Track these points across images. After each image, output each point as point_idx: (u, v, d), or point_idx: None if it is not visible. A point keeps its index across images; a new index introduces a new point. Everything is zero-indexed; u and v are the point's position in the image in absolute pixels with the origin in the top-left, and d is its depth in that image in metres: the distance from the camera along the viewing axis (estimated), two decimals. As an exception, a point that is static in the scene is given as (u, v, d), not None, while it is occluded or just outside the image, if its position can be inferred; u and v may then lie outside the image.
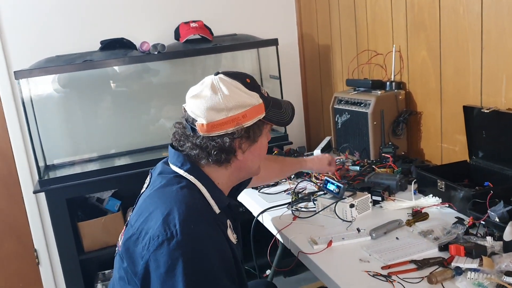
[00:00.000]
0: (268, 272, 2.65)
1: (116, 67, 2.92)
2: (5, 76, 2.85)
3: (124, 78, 3.03)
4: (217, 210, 1.28)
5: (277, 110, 1.38)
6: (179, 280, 1.11)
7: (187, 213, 1.16)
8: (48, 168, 2.91)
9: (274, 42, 2.90)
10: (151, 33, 2.96)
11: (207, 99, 1.27)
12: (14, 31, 2.83)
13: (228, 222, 1.33)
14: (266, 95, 1.37)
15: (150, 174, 1.42)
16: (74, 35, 2.90)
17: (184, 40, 2.83)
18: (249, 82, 1.33)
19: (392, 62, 2.36)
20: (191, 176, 1.29)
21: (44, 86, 2.88)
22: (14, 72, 2.48)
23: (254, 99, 1.31)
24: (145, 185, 1.40)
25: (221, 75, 1.32)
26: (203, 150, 1.29)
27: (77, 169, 2.85)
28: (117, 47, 2.77)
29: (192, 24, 2.87)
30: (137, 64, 2.90)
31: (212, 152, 1.28)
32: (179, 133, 1.35)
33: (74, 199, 2.76)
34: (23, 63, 2.72)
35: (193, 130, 1.29)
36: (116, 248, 1.33)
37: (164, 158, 1.41)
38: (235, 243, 1.33)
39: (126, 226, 1.31)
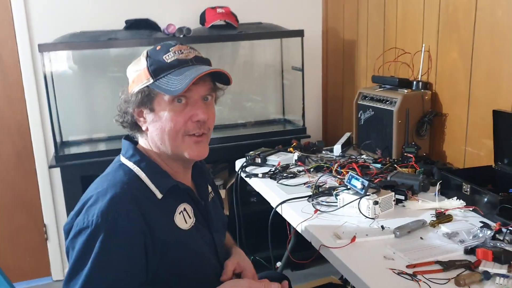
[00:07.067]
0: (278, 264, 2.63)
1: (138, 48, 2.90)
2: (27, 49, 2.84)
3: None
4: (159, 195, 1.26)
5: (173, 77, 1.23)
6: (85, 266, 1.13)
7: (109, 205, 1.15)
8: (63, 144, 2.90)
9: (299, 33, 2.87)
10: (176, 16, 2.94)
11: None
12: (39, 4, 2.81)
13: (182, 206, 1.31)
14: (171, 60, 1.25)
15: None
16: (99, 12, 2.89)
17: (210, 25, 2.81)
18: (158, 49, 1.29)
19: (421, 61, 2.33)
20: (131, 163, 1.28)
21: (65, 61, 2.87)
22: (38, 45, 2.46)
23: (142, 65, 1.27)
24: None
25: None
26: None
27: (91, 147, 2.85)
28: (142, 28, 2.74)
29: (219, 10, 2.84)
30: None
31: (122, 114, 1.32)
32: None
33: (87, 176, 2.74)
34: (46, 37, 2.71)
35: None
36: None
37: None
38: (190, 227, 1.30)
39: None
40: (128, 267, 1.16)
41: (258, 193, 2.23)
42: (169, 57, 1.26)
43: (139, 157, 1.30)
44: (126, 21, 2.78)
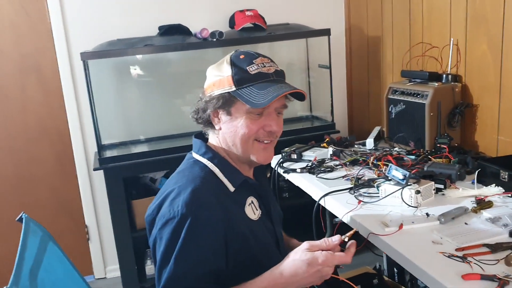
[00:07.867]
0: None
1: (171, 53, 3.00)
2: (66, 58, 2.96)
3: (179, 64, 3.11)
4: (232, 189, 1.38)
5: (256, 90, 1.33)
6: (173, 252, 1.25)
7: (192, 197, 1.26)
8: (102, 147, 3.01)
9: (326, 32, 2.96)
10: (205, 21, 3.03)
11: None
12: (75, 15, 2.93)
13: (250, 199, 1.42)
14: (254, 72, 1.35)
15: None
16: (131, 20, 2.99)
17: (240, 28, 2.90)
18: (241, 58, 1.38)
19: (449, 55, 2.41)
20: (205, 159, 1.40)
21: (100, 68, 2.97)
22: (81, 53, 2.57)
23: (225, 71, 1.37)
24: None
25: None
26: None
27: (126, 150, 2.96)
28: (175, 33, 2.84)
29: (247, 13, 2.94)
30: (192, 51, 2.96)
31: (199, 111, 1.43)
32: None
33: (128, 178, 2.86)
34: (83, 46, 2.82)
35: None
36: None
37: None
38: (257, 219, 1.42)
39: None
40: (211, 252, 1.27)
41: (290, 188, 2.30)
42: (252, 69, 1.36)
43: (211, 154, 1.41)
44: (160, 27, 2.88)
